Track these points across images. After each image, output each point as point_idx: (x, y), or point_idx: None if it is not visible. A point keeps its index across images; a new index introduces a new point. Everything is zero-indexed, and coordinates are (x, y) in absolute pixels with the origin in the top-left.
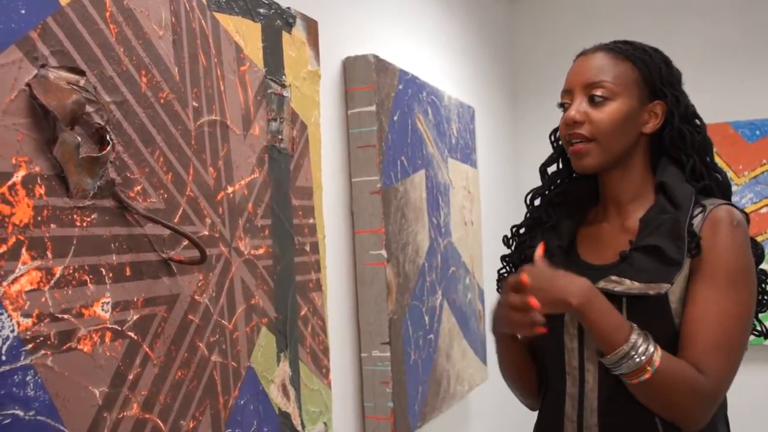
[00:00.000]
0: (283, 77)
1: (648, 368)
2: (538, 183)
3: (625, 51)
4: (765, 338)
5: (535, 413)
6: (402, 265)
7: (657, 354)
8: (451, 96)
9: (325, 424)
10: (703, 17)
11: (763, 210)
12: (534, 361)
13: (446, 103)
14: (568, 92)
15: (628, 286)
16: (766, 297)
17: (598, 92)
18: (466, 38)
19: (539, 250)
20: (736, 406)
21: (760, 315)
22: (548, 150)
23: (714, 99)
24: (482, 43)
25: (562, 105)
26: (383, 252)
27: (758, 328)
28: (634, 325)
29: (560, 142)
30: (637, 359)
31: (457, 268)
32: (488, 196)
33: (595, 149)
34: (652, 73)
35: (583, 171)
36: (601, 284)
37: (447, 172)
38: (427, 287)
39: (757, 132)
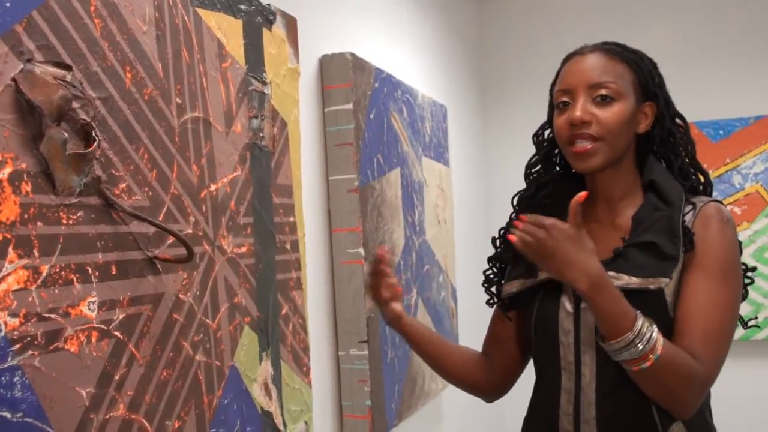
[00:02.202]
0: (264, 74)
1: (651, 356)
2: (507, 181)
3: (621, 53)
4: (744, 328)
5: (503, 407)
6: None
7: (659, 342)
8: (425, 94)
9: (306, 423)
10: (668, 18)
11: (728, 208)
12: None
13: (420, 101)
14: (567, 92)
15: (626, 281)
16: (745, 289)
17: (604, 92)
18: (437, 37)
19: (580, 197)
20: (720, 400)
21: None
22: (517, 148)
23: (678, 99)
24: (452, 41)
25: (559, 105)
26: (361, 250)
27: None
28: (639, 312)
29: (542, 143)
30: (641, 347)
31: (431, 267)
32: (460, 194)
33: (602, 149)
34: (645, 75)
35: (588, 171)
36: None
37: (421, 171)
38: (402, 285)
39: (721, 132)
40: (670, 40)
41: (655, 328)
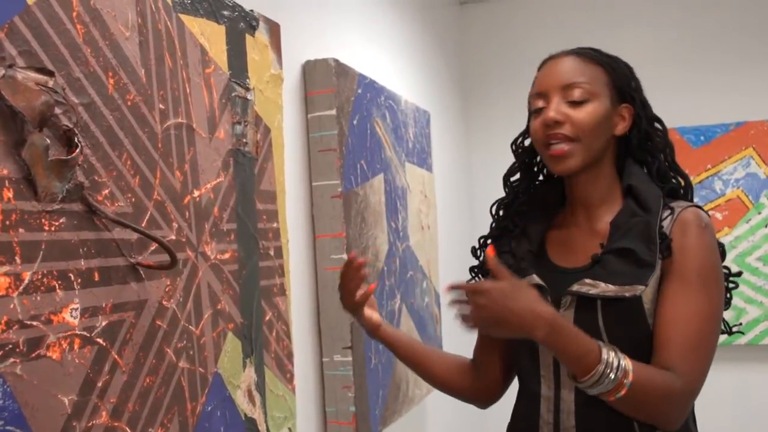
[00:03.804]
0: (247, 80)
1: (625, 381)
2: (489, 186)
3: (594, 56)
4: (729, 335)
5: (487, 414)
6: None
7: (629, 366)
8: (408, 100)
9: (289, 429)
10: (648, 24)
11: (708, 213)
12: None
13: (403, 107)
14: (541, 96)
15: (603, 288)
16: (729, 294)
17: (577, 93)
18: (419, 43)
19: (490, 251)
20: (702, 406)
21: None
22: (499, 152)
23: (660, 105)
24: (435, 47)
25: (535, 110)
26: (344, 256)
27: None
28: (601, 342)
29: (521, 151)
30: (613, 376)
31: (414, 272)
32: (443, 199)
33: (577, 150)
34: (620, 78)
35: (565, 173)
36: (576, 287)
37: (404, 176)
38: (386, 291)
39: (702, 138)
40: (650, 46)
41: (621, 355)
